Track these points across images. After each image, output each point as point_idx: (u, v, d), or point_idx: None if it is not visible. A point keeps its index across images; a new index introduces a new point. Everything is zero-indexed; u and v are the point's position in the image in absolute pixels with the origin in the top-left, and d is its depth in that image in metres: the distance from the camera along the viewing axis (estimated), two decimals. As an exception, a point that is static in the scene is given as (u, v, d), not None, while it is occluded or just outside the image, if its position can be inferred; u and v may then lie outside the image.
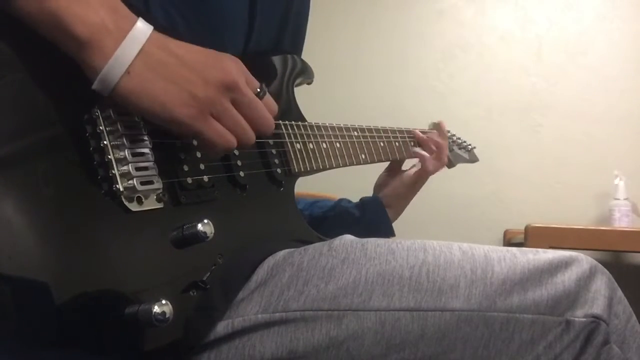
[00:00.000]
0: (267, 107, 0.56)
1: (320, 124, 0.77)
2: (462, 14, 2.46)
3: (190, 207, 0.56)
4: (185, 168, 0.57)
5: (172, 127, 0.51)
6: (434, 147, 1.05)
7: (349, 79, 2.49)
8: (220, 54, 0.54)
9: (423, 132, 1.08)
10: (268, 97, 0.57)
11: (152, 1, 0.64)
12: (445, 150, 1.07)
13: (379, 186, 1.07)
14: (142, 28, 0.49)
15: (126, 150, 0.50)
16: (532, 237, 1.75)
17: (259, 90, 0.55)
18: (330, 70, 2.45)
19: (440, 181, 2.29)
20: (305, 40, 1.06)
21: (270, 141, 0.67)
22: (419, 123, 1.14)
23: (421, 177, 1.04)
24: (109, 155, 0.49)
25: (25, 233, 0.43)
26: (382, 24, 2.50)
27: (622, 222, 2.04)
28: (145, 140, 0.53)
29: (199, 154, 0.58)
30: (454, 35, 2.45)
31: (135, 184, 0.50)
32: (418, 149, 1.04)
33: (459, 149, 1.23)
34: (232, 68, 0.53)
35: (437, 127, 1.11)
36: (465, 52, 2.44)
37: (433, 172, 1.06)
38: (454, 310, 0.56)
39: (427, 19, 2.48)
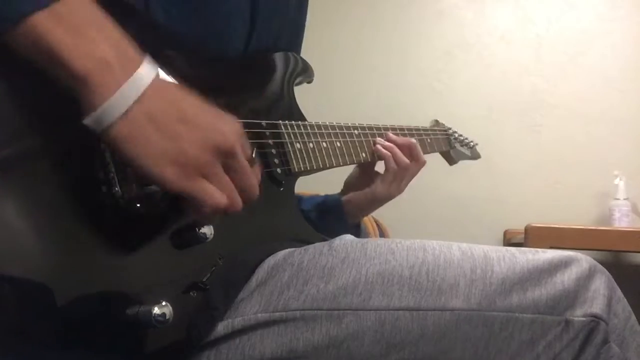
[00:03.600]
0: (258, 169, 0.55)
1: (320, 123, 0.77)
2: (462, 13, 2.46)
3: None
4: None
5: (155, 182, 0.47)
6: (393, 164, 0.91)
7: (348, 79, 2.49)
8: (221, 114, 0.52)
9: (401, 138, 0.94)
10: (257, 165, 0.55)
11: (152, 1, 0.62)
12: (405, 175, 0.93)
13: (349, 186, 0.98)
14: (146, 71, 0.46)
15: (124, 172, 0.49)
16: (532, 237, 1.75)
17: (252, 156, 0.53)
18: (330, 70, 2.45)
19: (440, 181, 2.30)
20: (305, 40, 1.06)
21: (270, 141, 0.67)
22: (418, 122, 1.14)
23: (375, 199, 0.93)
24: (109, 158, 0.49)
25: (27, 235, 0.43)
26: (382, 23, 2.50)
27: (622, 222, 2.04)
28: None
29: None
30: (454, 35, 2.45)
31: (135, 186, 0.49)
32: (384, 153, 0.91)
33: (461, 145, 1.22)
34: (232, 134, 0.50)
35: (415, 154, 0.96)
36: (465, 52, 2.44)
37: (384, 196, 0.93)
38: (453, 309, 0.56)
39: (427, 18, 2.48)
